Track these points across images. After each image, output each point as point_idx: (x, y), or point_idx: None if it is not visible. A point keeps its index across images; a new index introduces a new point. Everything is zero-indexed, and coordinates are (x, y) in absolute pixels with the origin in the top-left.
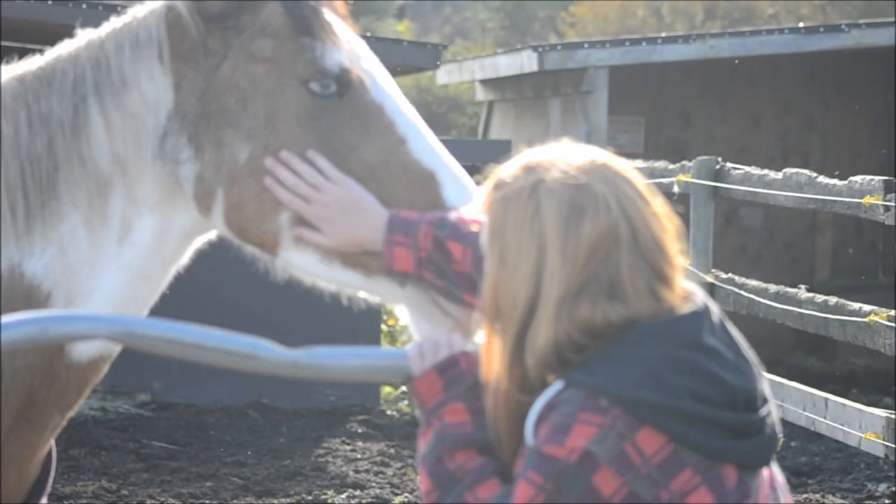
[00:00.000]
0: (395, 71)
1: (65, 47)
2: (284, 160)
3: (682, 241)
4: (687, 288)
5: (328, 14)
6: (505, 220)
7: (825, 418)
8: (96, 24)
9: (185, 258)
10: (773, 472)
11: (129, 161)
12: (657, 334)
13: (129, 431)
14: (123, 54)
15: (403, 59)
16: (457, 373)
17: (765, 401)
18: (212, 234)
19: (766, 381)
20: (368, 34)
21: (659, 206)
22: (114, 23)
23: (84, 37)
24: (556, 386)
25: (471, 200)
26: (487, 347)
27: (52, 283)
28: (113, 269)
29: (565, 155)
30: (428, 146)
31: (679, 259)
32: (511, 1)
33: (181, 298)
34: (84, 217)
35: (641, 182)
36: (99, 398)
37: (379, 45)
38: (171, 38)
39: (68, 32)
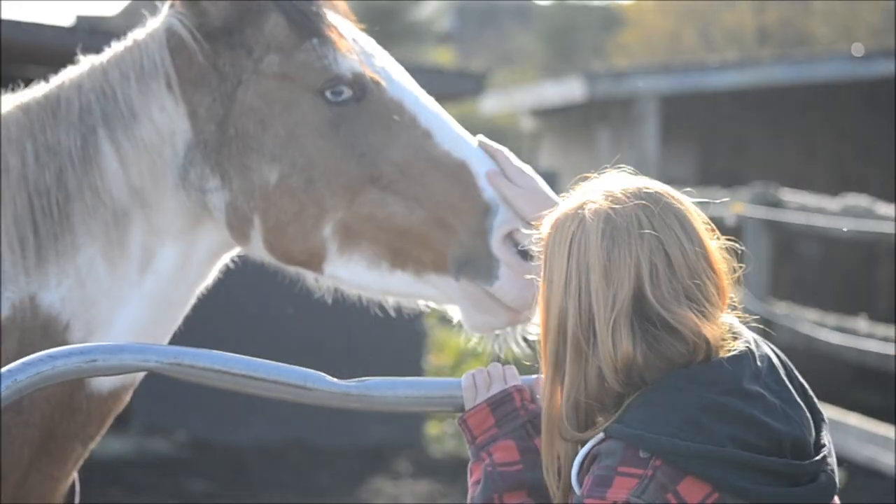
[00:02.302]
0: (438, 99)
1: (67, 75)
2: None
3: (735, 276)
4: (733, 326)
5: (331, 17)
6: (552, 245)
7: (887, 455)
8: (96, 50)
9: (208, 282)
10: None
11: (148, 191)
12: (696, 380)
13: (166, 471)
14: (130, 84)
15: (446, 88)
16: (510, 408)
17: (821, 448)
18: (235, 251)
19: (827, 429)
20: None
21: (708, 239)
22: (115, 48)
23: (86, 63)
24: (598, 436)
25: (506, 185)
26: (548, 378)
27: (70, 313)
28: (135, 298)
29: (613, 182)
30: (454, 135)
31: (722, 295)
32: (556, 28)
33: (221, 331)
34: (102, 248)
35: (694, 214)
36: (136, 437)
37: (420, 73)
38: (177, 66)
39: (67, 57)
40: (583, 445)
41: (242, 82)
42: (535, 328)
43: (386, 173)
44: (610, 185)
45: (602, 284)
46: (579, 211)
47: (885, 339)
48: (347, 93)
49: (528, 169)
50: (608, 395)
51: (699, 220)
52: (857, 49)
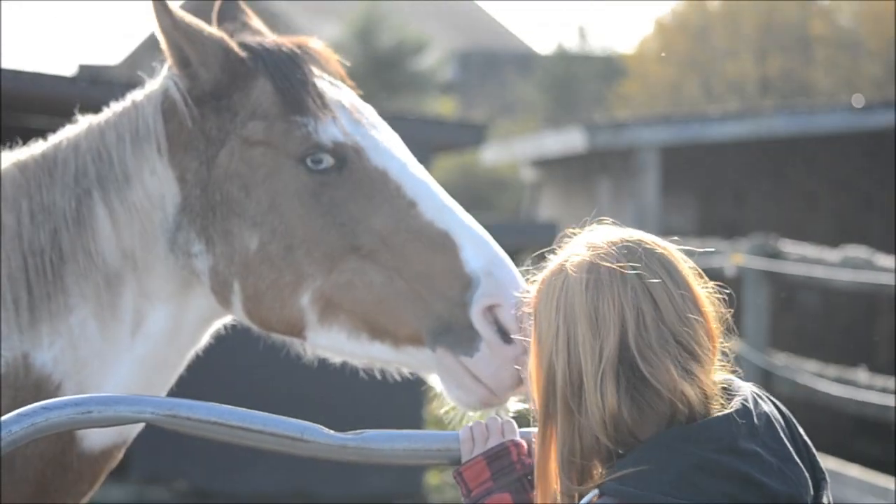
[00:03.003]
0: (439, 149)
1: (65, 134)
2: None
3: (730, 324)
4: (732, 382)
5: (320, 82)
6: (541, 301)
7: None
8: (97, 100)
9: (203, 342)
10: None
11: (139, 255)
12: (691, 438)
13: None
14: (125, 147)
15: (447, 138)
16: (506, 462)
17: None
18: (228, 318)
19: (827, 488)
20: (410, 113)
21: (696, 287)
22: (114, 109)
23: (84, 123)
24: (593, 492)
25: (495, 260)
26: (540, 434)
27: (62, 374)
28: (126, 360)
29: (595, 235)
30: (440, 206)
31: (712, 339)
32: (557, 77)
33: (219, 381)
34: (94, 310)
35: (679, 259)
36: (136, 486)
37: (422, 123)
38: (168, 130)
39: (68, 106)
40: (578, 499)
41: (226, 147)
42: (515, 405)
43: (366, 243)
44: (592, 238)
45: (589, 335)
46: (564, 264)
47: (885, 391)
48: (328, 161)
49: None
50: (602, 451)
51: (685, 266)
52: (858, 100)
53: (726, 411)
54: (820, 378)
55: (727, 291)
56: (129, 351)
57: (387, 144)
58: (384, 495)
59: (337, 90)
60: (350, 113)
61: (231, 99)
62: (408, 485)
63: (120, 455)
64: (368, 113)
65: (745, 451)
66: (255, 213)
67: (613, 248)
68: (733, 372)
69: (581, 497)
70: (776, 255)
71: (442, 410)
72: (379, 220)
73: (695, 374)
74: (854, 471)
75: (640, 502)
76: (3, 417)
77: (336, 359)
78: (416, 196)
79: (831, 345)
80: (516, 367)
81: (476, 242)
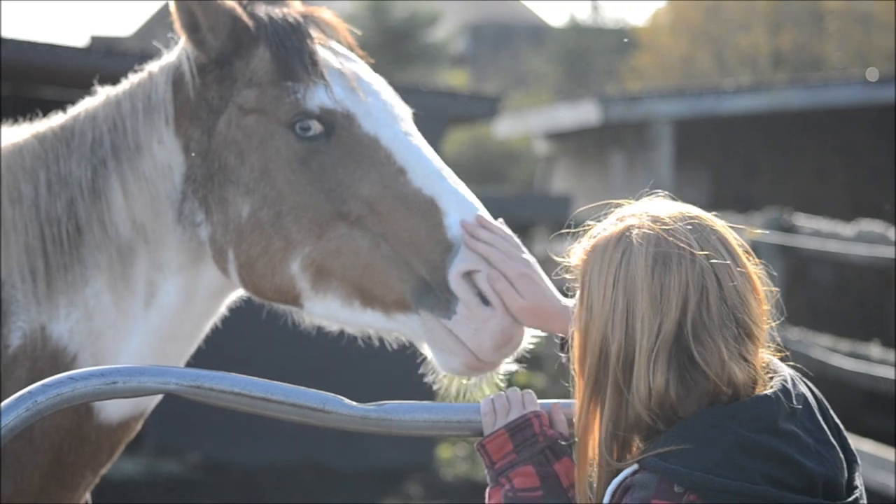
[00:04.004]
0: (453, 122)
1: (84, 105)
2: (480, 220)
3: (780, 304)
4: (771, 363)
5: (320, 50)
6: (593, 269)
7: None
8: (112, 71)
9: (217, 316)
10: None
11: (150, 227)
12: (733, 417)
13: (178, 493)
14: (138, 117)
15: (460, 111)
16: (529, 434)
17: (853, 490)
18: (242, 291)
19: (860, 472)
20: (423, 85)
21: (750, 265)
22: (131, 80)
23: (102, 94)
24: (632, 467)
25: (477, 224)
26: (584, 405)
27: (77, 345)
28: (140, 332)
29: (655, 207)
30: (429, 172)
31: (765, 322)
32: (570, 50)
33: (235, 353)
34: (108, 281)
35: (732, 237)
36: (148, 458)
37: (434, 96)
38: (177, 100)
39: (83, 77)
40: (616, 474)
41: (224, 115)
42: (505, 369)
43: (354, 209)
44: (653, 210)
45: (649, 313)
46: (625, 235)
47: None
48: (316, 128)
49: (507, 232)
50: (643, 426)
51: (737, 243)
52: (872, 74)
53: (767, 391)
54: (833, 352)
55: (769, 271)
56: (144, 322)
57: (381, 112)
58: (396, 468)
59: (340, 58)
60: (346, 80)
61: (233, 67)
62: (420, 458)
63: (138, 426)
64: (372, 81)
65: (785, 431)
66: (248, 181)
67: (678, 223)
68: (782, 353)
69: (619, 472)
70: (790, 229)
71: (431, 378)
72: (366, 186)
73: (747, 354)
74: (866, 446)
75: (681, 479)
76: (29, 388)
77: (333, 327)
78: (407, 163)
79: (844, 319)
80: (498, 329)
81: (462, 208)
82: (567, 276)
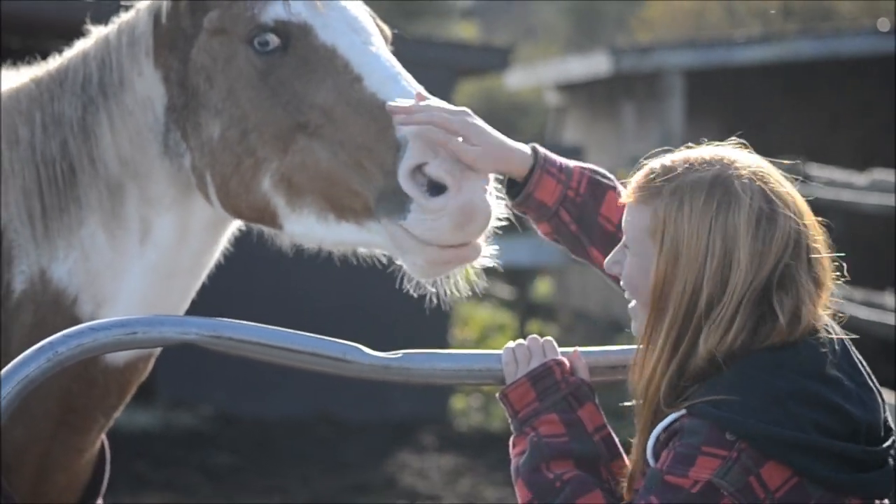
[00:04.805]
0: (463, 73)
1: (78, 46)
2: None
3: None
4: (816, 313)
5: None
6: (679, 212)
7: None
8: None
9: (219, 251)
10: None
11: (137, 161)
12: (783, 364)
13: (192, 445)
14: (122, 51)
15: (471, 62)
16: (551, 382)
17: (889, 432)
18: (238, 222)
19: (888, 411)
20: (435, 37)
21: (809, 212)
22: (122, 18)
23: (95, 34)
24: (679, 411)
25: (408, 103)
26: (658, 347)
27: (77, 286)
28: (138, 269)
29: (735, 154)
30: (385, 77)
31: (832, 273)
32: (580, 1)
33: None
34: (101, 220)
35: (795, 191)
36: (161, 410)
37: (445, 47)
38: (156, 32)
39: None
40: (661, 418)
41: (196, 41)
42: (481, 263)
43: (312, 119)
44: (741, 158)
45: (747, 264)
46: (721, 181)
47: None
48: (274, 42)
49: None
50: (699, 372)
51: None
52: (883, 24)
53: (812, 338)
54: (847, 302)
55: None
56: (140, 259)
57: (340, 23)
58: (410, 419)
59: None
60: None
61: None
62: (433, 409)
63: (147, 368)
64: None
65: (831, 378)
66: (216, 102)
67: (767, 174)
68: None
69: (664, 416)
70: (803, 178)
71: (410, 287)
72: (322, 95)
73: (816, 304)
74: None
75: (734, 427)
76: (50, 339)
77: (312, 246)
78: (363, 70)
79: (857, 268)
80: (456, 210)
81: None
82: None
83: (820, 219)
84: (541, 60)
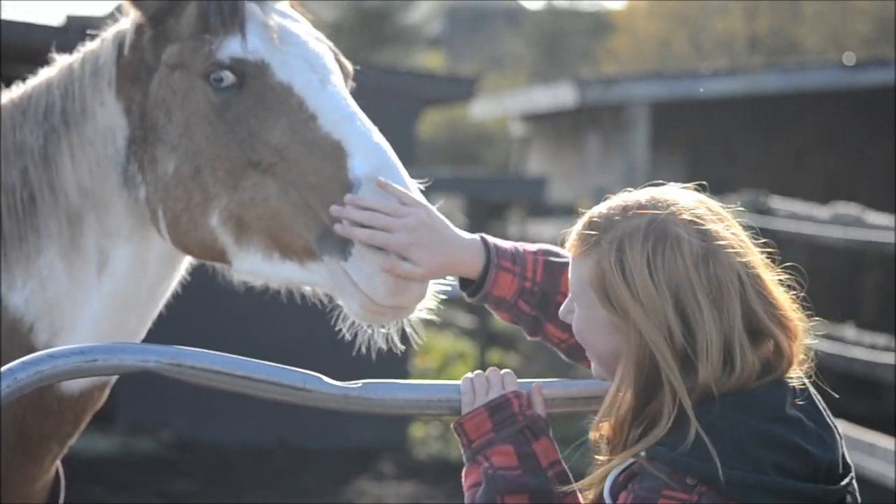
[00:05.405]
0: (429, 103)
1: (43, 74)
2: (351, 201)
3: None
4: (790, 343)
5: (247, 5)
6: (619, 264)
7: (872, 462)
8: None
9: (175, 280)
10: None
11: (97, 192)
12: (744, 408)
13: (151, 471)
14: (84, 81)
15: (436, 93)
16: (508, 414)
17: (846, 468)
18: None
19: (845, 448)
20: (400, 67)
21: (754, 246)
22: (87, 47)
23: (60, 62)
24: (640, 454)
25: (382, 166)
26: (614, 400)
27: (34, 315)
28: (95, 299)
29: (671, 195)
30: (341, 117)
31: (788, 305)
32: (546, 32)
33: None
34: (59, 250)
35: (736, 221)
36: (120, 436)
37: (411, 77)
38: (119, 62)
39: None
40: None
41: (157, 74)
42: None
43: (265, 157)
44: (672, 198)
45: (710, 309)
46: (657, 226)
47: (873, 347)
48: (230, 79)
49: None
50: (664, 416)
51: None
52: (849, 58)
53: (773, 377)
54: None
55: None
56: (97, 290)
57: (299, 60)
58: (369, 447)
59: (274, 14)
60: (268, 32)
61: (166, 25)
62: (393, 437)
63: (103, 397)
64: (303, 36)
65: (791, 418)
66: (173, 137)
67: (703, 211)
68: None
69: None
70: (766, 211)
71: (345, 328)
72: (277, 133)
73: (782, 343)
74: (841, 427)
75: (694, 472)
76: (9, 365)
77: (260, 283)
78: (318, 109)
79: (818, 301)
80: (390, 277)
81: (368, 150)
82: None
83: (776, 253)
84: (506, 91)
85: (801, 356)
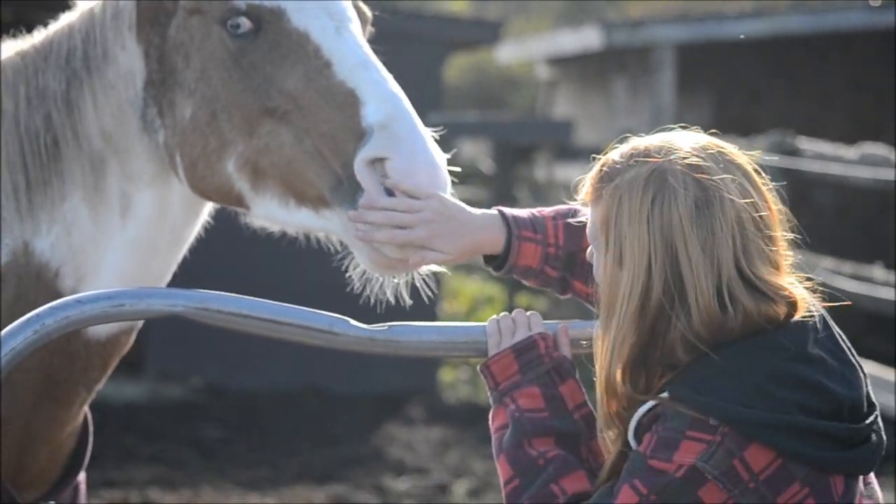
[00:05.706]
0: (454, 47)
1: (65, 19)
2: (366, 204)
3: (798, 229)
4: (794, 289)
5: None
6: (619, 211)
7: None
8: None
9: (199, 225)
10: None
11: (119, 137)
12: (765, 347)
13: (180, 417)
14: (106, 25)
15: (462, 37)
16: (534, 355)
17: (871, 407)
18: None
19: (870, 386)
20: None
21: (768, 191)
22: None
23: (81, 7)
24: (662, 395)
25: (396, 115)
26: (614, 341)
27: (59, 260)
28: (119, 245)
29: (678, 142)
30: (357, 64)
31: (788, 245)
32: None
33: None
34: (83, 195)
35: (752, 167)
36: (150, 382)
37: (436, 21)
38: (139, 5)
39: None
40: (640, 403)
41: (175, 18)
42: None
43: (281, 105)
44: (677, 145)
45: (700, 257)
46: (657, 176)
47: None
48: (246, 25)
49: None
50: (675, 358)
51: (756, 173)
52: None
53: (796, 318)
54: (836, 275)
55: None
56: (121, 235)
57: (314, 7)
58: (397, 391)
59: None
60: None
61: None
62: (422, 381)
63: (130, 341)
64: None
65: (814, 357)
66: (190, 82)
67: (707, 160)
68: (807, 280)
69: (642, 404)
70: (793, 152)
71: (354, 277)
72: (292, 80)
73: (781, 281)
74: (868, 367)
75: (716, 412)
76: (37, 311)
77: (277, 229)
78: (333, 56)
79: (846, 242)
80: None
81: (382, 99)
82: (579, 210)
83: (803, 193)
84: (532, 34)
85: (808, 297)
